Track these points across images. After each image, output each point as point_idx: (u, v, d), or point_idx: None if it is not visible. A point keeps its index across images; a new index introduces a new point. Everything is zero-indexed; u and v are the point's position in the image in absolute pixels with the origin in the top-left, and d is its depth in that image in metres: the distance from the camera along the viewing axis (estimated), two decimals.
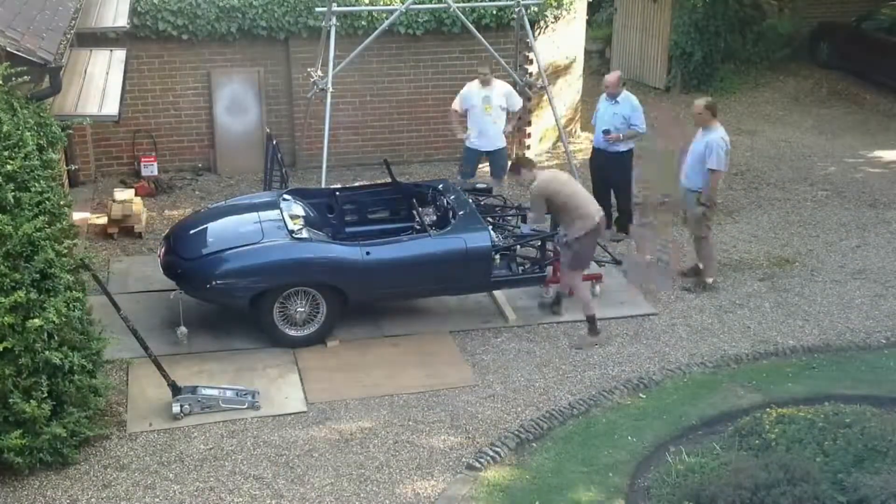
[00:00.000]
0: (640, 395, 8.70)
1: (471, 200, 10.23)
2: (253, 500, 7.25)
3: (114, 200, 11.70)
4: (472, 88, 11.79)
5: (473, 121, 11.81)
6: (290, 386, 8.70)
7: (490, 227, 9.74)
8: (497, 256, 9.50)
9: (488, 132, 11.78)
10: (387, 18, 12.65)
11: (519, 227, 10.48)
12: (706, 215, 10.39)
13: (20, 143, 7.29)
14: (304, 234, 9.36)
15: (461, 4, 12.77)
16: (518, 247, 10.07)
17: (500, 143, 11.95)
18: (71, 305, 7.35)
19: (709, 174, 10.15)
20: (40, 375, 7.17)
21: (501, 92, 11.78)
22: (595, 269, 10.42)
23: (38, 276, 7.14)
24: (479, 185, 11.20)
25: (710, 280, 10.58)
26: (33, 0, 9.05)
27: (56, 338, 7.24)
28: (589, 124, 15.86)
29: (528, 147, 14.53)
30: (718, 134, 10.16)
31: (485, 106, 11.69)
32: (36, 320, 6.97)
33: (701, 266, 10.66)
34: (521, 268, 9.94)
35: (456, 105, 11.93)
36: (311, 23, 12.98)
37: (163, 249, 9.62)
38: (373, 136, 13.92)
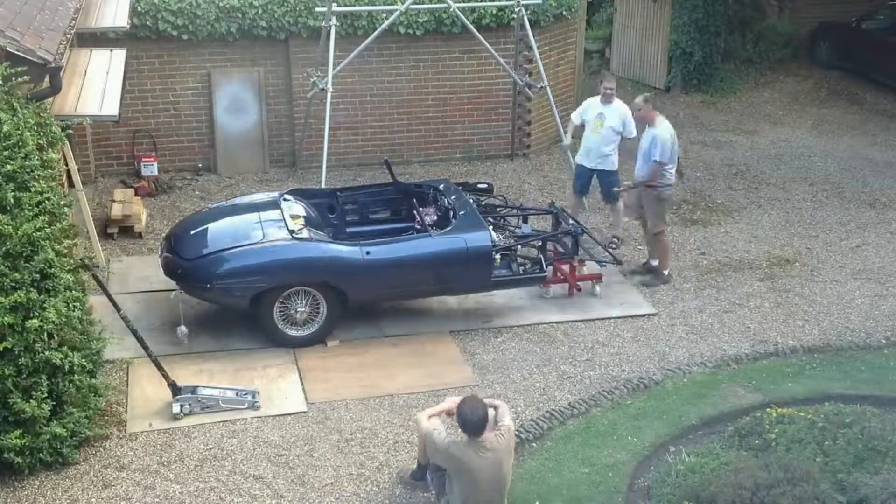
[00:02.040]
0: (640, 395, 8.70)
1: (472, 200, 10.23)
2: (253, 500, 7.26)
3: (113, 200, 11.72)
4: (591, 102, 11.31)
5: (584, 136, 11.35)
6: (290, 386, 8.70)
7: (490, 227, 9.75)
8: (497, 256, 9.51)
9: (594, 150, 11.19)
10: (387, 18, 12.65)
11: (520, 227, 10.48)
12: (661, 210, 10.56)
13: (20, 143, 7.29)
14: (305, 234, 9.36)
15: (461, 4, 12.77)
16: (519, 246, 10.07)
17: (608, 165, 11.24)
18: (71, 305, 7.35)
19: (653, 165, 10.34)
20: (40, 375, 7.17)
21: (618, 114, 11.11)
22: (595, 269, 10.43)
23: (38, 276, 7.14)
24: (480, 185, 11.20)
25: (666, 272, 10.70)
26: (33, 0, 9.05)
27: (56, 338, 7.25)
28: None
29: (528, 147, 14.54)
30: (663, 128, 10.35)
31: (596, 123, 11.14)
32: (35, 320, 6.98)
33: (655, 263, 10.79)
34: (521, 267, 9.94)
35: (574, 117, 11.53)
36: (311, 23, 12.98)
37: (163, 250, 9.63)
38: (373, 136, 13.92)
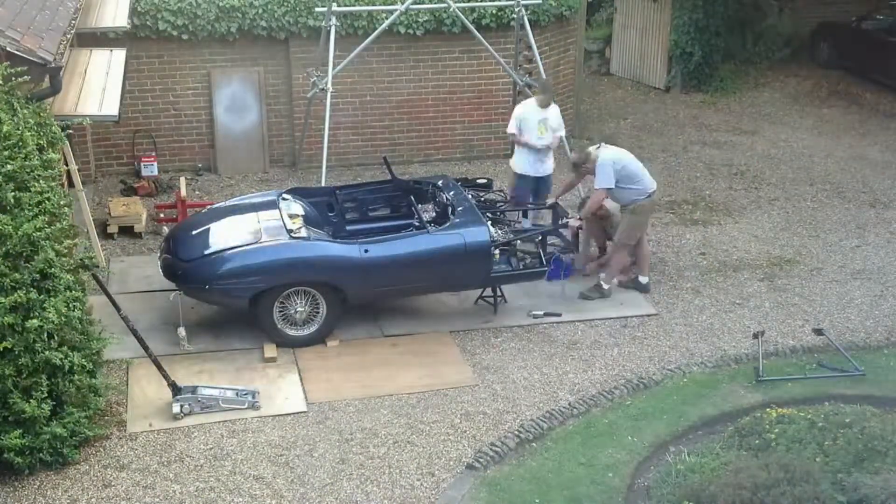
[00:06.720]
0: (640, 395, 8.70)
1: (470, 196, 10.22)
2: (253, 500, 7.26)
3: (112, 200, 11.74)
4: (529, 109, 11.14)
5: (525, 144, 11.09)
6: (290, 386, 8.71)
7: (489, 223, 9.74)
8: (496, 252, 9.50)
9: (540, 157, 11.10)
10: (387, 18, 12.65)
11: (519, 222, 10.47)
12: (634, 227, 10.21)
13: (20, 143, 7.29)
14: (303, 234, 9.36)
15: (461, 4, 12.76)
16: (518, 241, 10.06)
17: (549, 169, 11.28)
18: (71, 305, 7.35)
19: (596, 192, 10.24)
20: (40, 375, 7.18)
21: (556, 115, 11.20)
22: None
23: (38, 276, 7.14)
24: (479, 181, 11.19)
25: (606, 286, 10.28)
26: (33, 0, 9.05)
27: (56, 338, 7.25)
28: (589, 125, 15.90)
29: None
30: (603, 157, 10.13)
31: (541, 128, 11.04)
32: (35, 320, 6.97)
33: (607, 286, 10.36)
34: (521, 262, 9.92)
35: (513, 128, 11.21)
36: (311, 23, 12.98)
37: (162, 251, 9.64)
38: (373, 136, 13.92)
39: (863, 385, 8.82)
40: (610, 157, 10.11)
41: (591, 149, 10.38)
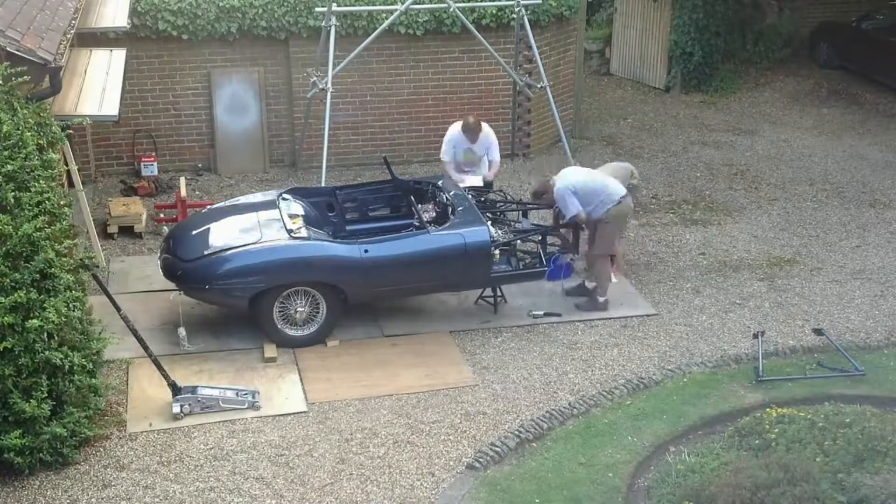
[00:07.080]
0: (640, 395, 8.70)
1: (470, 195, 10.22)
2: (253, 500, 7.26)
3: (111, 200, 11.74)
4: (456, 138, 11.07)
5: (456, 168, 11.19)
6: (290, 386, 8.71)
7: (489, 223, 9.74)
8: (496, 252, 9.50)
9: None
10: (387, 18, 12.66)
11: (519, 222, 10.48)
12: (608, 236, 10.04)
13: (20, 143, 7.29)
14: (303, 234, 9.36)
15: (461, 4, 12.76)
16: (518, 242, 10.05)
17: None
18: (71, 305, 7.35)
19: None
20: (40, 375, 7.18)
21: (484, 145, 11.08)
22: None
23: (38, 276, 7.14)
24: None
25: (601, 299, 10.10)
26: (33, 0, 9.06)
27: (56, 338, 7.25)
28: (589, 125, 15.91)
29: (528, 147, 14.54)
30: (561, 183, 9.95)
31: (466, 156, 11.11)
32: (35, 320, 6.98)
33: (591, 285, 10.17)
34: (521, 262, 9.93)
35: (444, 155, 11.19)
36: (311, 23, 12.98)
37: (162, 251, 9.64)
38: (373, 136, 13.92)
39: (863, 385, 8.83)
40: (566, 185, 9.87)
41: (550, 179, 10.22)
